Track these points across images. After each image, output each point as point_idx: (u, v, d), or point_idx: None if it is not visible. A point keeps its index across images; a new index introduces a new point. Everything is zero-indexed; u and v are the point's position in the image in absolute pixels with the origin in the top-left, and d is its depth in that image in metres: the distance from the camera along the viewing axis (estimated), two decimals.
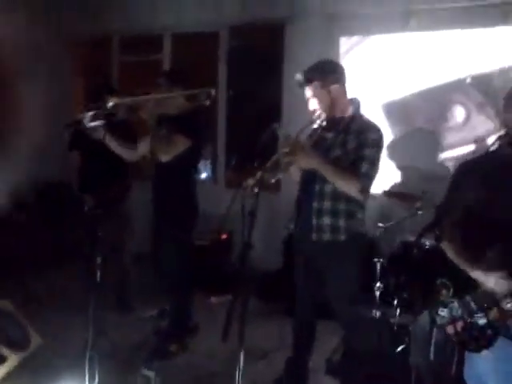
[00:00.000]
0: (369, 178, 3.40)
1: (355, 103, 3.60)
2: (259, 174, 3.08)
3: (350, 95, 3.60)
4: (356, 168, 3.37)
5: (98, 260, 3.73)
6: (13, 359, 4.12)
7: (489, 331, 2.51)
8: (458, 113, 5.77)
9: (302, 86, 3.53)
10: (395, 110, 6.12)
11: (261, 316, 5.23)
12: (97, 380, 3.59)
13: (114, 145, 4.67)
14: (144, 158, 4.69)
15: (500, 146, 2.52)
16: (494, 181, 2.56)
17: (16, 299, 4.56)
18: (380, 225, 4.44)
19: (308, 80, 3.50)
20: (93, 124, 4.51)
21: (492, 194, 2.57)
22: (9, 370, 4.07)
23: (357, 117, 3.55)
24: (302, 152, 3.31)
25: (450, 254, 2.62)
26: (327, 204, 3.47)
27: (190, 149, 4.39)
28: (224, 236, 6.08)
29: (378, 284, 4.34)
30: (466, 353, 2.71)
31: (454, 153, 5.72)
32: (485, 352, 2.53)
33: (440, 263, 2.67)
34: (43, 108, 7.26)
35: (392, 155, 6.07)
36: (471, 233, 2.61)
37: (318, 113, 3.49)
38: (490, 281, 2.49)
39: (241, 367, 3.00)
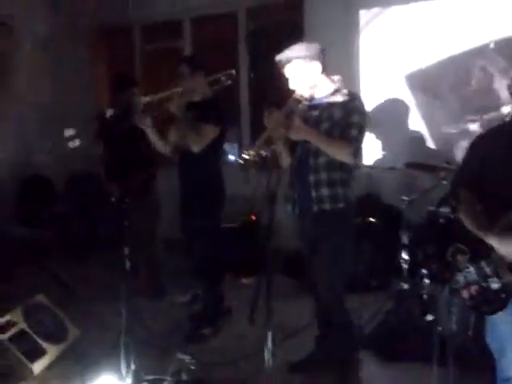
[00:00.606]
0: (358, 142, 3.52)
1: (336, 80, 3.65)
2: (253, 150, 3.16)
3: (333, 73, 3.67)
4: (345, 134, 3.47)
5: (126, 250, 3.82)
6: (52, 351, 4.24)
7: (502, 294, 2.54)
8: (482, 79, 5.67)
9: (283, 66, 3.57)
10: (418, 80, 6.04)
11: (292, 294, 5.25)
12: (133, 366, 3.70)
13: (153, 135, 4.58)
14: (175, 147, 4.69)
15: None
16: (507, 149, 2.57)
17: (51, 292, 4.67)
18: (404, 198, 4.42)
19: (288, 59, 3.54)
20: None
21: (506, 162, 2.58)
22: (49, 362, 4.18)
23: (338, 91, 3.61)
24: (292, 124, 3.38)
25: (466, 222, 2.64)
26: (323, 175, 3.55)
27: (217, 135, 4.44)
28: (253, 217, 6.11)
29: (404, 256, 4.34)
30: (488, 318, 2.73)
31: (479, 119, 5.63)
32: (503, 315, 2.56)
33: (458, 230, 2.68)
34: (66, 99, 7.39)
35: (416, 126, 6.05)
36: (485, 201, 2.62)
37: (300, 92, 3.54)
38: (504, 248, 2.50)
39: (269, 347, 3.05)
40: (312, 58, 3.56)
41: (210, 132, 4.40)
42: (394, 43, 6.07)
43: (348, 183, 3.62)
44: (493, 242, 2.55)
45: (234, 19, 7.16)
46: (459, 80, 5.80)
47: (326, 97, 3.61)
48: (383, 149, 6.26)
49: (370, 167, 6.03)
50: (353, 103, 3.54)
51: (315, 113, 3.61)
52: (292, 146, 3.61)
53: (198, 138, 4.38)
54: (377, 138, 6.24)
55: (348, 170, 3.59)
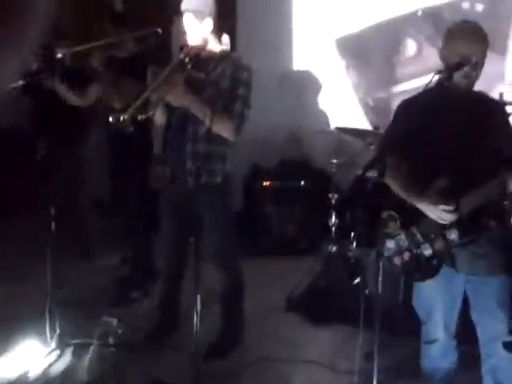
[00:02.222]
0: (242, 117, 3.37)
1: (224, 42, 3.54)
2: (130, 110, 3.03)
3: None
4: (230, 108, 3.33)
5: (52, 210, 3.72)
6: None
7: (434, 261, 2.59)
8: (410, 46, 5.74)
9: (178, 15, 3.43)
10: (349, 45, 6.06)
11: None
12: (58, 330, 3.63)
13: (62, 90, 4.48)
14: (99, 102, 4.57)
15: (438, 80, 2.54)
16: (433, 114, 2.59)
17: None
18: (334, 161, 4.44)
19: (185, 10, 3.35)
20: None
21: (432, 127, 2.61)
22: None
23: (227, 55, 3.48)
24: (174, 88, 3.19)
25: (395, 187, 2.66)
26: (202, 146, 3.39)
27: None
28: None
29: (333, 219, 4.39)
30: (415, 283, 2.79)
31: (408, 86, 5.70)
32: (430, 281, 2.62)
33: (388, 196, 2.71)
34: None
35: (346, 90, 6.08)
36: (414, 166, 2.65)
37: (189, 48, 3.31)
38: (436, 213, 2.54)
39: (198, 310, 3.05)
40: (208, 13, 3.35)
41: (133, 88, 4.26)
42: (326, 7, 6.04)
43: (226, 157, 3.50)
44: (424, 206, 2.58)
45: None
46: (389, 46, 5.85)
47: (214, 59, 3.42)
48: None
49: (302, 131, 6.07)
50: (242, 74, 3.37)
51: (201, 74, 3.40)
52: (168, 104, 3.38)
53: (119, 94, 4.23)
54: None
55: (228, 144, 3.46)
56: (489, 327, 2.66)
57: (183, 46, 3.34)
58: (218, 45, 3.48)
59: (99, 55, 4.19)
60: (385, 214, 2.68)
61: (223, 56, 3.43)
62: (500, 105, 3.04)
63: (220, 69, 3.39)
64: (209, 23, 3.36)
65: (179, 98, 3.22)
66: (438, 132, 2.60)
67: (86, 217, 5.45)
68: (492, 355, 2.69)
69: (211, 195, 3.47)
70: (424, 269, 2.63)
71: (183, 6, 3.36)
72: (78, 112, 4.99)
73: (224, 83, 3.35)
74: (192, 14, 3.33)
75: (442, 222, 2.56)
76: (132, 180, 4.50)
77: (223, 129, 3.32)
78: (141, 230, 4.66)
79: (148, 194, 4.74)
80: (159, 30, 4.13)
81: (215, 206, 3.53)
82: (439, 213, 2.54)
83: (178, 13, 3.39)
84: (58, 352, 3.62)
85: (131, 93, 4.21)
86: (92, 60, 4.19)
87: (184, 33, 3.40)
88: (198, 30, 3.35)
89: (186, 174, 3.40)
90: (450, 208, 2.51)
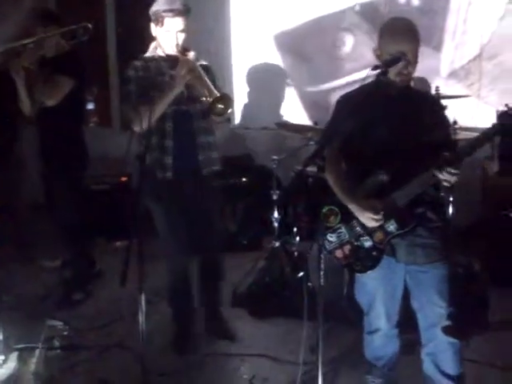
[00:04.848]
0: None
1: None
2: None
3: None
4: None
5: None
6: None
7: (374, 252, 2.66)
8: (348, 40, 5.82)
9: (178, 15, 3.43)
10: (286, 41, 6.11)
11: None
12: (1, 336, 3.57)
13: (22, 93, 4.26)
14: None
15: (376, 76, 2.57)
16: (372, 109, 2.65)
17: None
18: (274, 157, 4.49)
19: (186, 10, 3.45)
20: None
21: (370, 121, 2.67)
22: None
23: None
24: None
25: (331, 184, 2.73)
26: (209, 138, 3.66)
27: (73, 89, 4.25)
28: (124, 179, 5.99)
29: (275, 215, 4.44)
30: (356, 275, 2.86)
31: (345, 80, 5.79)
32: (371, 272, 2.70)
33: (329, 190, 2.76)
34: None
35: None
36: (353, 161, 2.72)
37: (180, 47, 3.44)
38: (363, 215, 2.64)
39: (143, 310, 3.04)
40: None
41: (65, 84, 4.20)
42: (263, 2, 6.08)
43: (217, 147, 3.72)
44: (353, 210, 2.66)
45: None
46: (326, 41, 5.91)
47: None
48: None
49: (244, 127, 6.12)
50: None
51: None
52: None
53: (51, 90, 4.17)
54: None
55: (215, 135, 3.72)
56: (428, 313, 2.74)
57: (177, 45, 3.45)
58: None
59: (28, 54, 4.09)
60: (326, 209, 2.74)
61: None
62: (436, 99, 3.13)
63: None
64: None
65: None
66: (376, 126, 2.66)
67: (25, 219, 5.37)
68: (432, 340, 2.77)
69: (214, 183, 3.76)
70: (365, 260, 2.70)
71: (185, 7, 3.47)
72: (9, 116, 4.89)
73: None
74: (187, 16, 3.47)
75: (368, 225, 2.65)
76: (65, 180, 4.43)
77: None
78: (79, 230, 4.60)
79: (84, 195, 4.70)
80: (89, 26, 4.08)
81: (217, 192, 3.87)
82: (365, 218, 2.63)
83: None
84: (3, 358, 3.54)
85: (62, 87, 4.17)
86: (22, 59, 4.08)
87: (178, 32, 3.46)
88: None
89: (196, 166, 3.59)
90: (376, 216, 2.60)
